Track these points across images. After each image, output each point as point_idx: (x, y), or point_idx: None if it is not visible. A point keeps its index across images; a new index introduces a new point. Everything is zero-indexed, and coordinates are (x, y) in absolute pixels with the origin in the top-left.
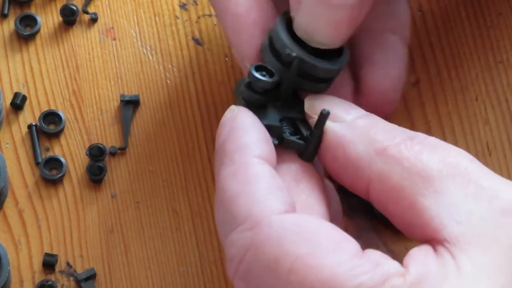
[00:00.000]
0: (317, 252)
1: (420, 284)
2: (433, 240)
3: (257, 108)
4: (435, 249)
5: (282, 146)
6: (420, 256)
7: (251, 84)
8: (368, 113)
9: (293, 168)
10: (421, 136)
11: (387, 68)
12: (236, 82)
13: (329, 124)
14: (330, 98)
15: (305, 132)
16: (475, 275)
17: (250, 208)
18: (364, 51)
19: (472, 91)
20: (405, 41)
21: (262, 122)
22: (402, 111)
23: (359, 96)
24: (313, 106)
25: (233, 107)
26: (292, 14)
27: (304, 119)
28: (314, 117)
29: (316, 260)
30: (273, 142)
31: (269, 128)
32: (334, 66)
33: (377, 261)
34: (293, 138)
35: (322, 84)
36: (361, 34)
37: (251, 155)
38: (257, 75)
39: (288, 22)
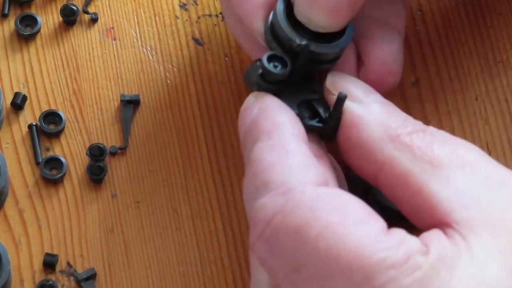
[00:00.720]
0: (347, 222)
1: (440, 263)
2: (442, 224)
3: (276, 95)
4: (445, 232)
5: None
6: (435, 237)
7: (265, 75)
8: (386, 100)
9: (312, 146)
10: (432, 129)
11: (386, 42)
12: (246, 70)
13: (347, 103)
14: (351, 79)
15: (323, 114)
16: (485, 257)
17: (285, 176)
18: (362, 31)
19: (472, 91)
20: (399, 33)
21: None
22: (402, 111)
23: (362, 68)
24: (334, 83)
25: (255, 93)
26: None
27: (320, 98)
28: (334, 94)
29: (345, 229)
30: None
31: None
32: (339, 47)
33: (402, 238)
34: (313, 122)
35: (329, 64)
36: (358, 19)
37: (288, 133)
38: (270, 68)
39: (289, 6)
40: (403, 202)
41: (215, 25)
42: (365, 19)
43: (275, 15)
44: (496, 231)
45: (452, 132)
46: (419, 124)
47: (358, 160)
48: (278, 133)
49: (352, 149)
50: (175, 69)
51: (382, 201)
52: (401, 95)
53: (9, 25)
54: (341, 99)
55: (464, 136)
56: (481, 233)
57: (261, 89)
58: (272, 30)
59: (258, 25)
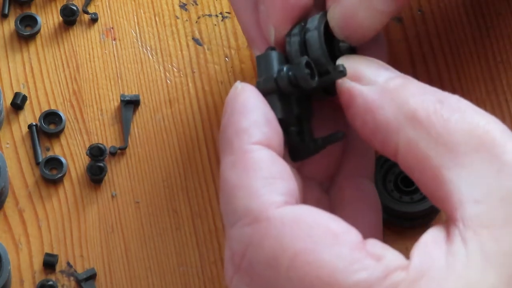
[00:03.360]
0: (316, 247)
1: (424, 277)
2: (450, 218)
3: (283, 97)
4: (448, 232)
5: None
6: (428, 245)
7: (293, 77)
8: (400, 74)
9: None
10: (452, 99)
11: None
12: (262, 57)
13: (357, 87)
14: (361, 59)
15: (306, 135)
16: (484, 265)
17: (248, 202)
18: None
19: (472, 91)
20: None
21: (279, 115)
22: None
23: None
24: (347, 69)
25: (237, 84)
26: (329, 3)
27: (310, 120)
28: (345, 81)
29: (314, 256)
30: None
31: (281, 122)
32: None
33: (379, 254)
34: (296, 138)
35: (333, 95)
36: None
37: (249, 141)
38: (305, 74)
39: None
40: (421, 184)
41: (215, 25)
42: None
43: (311, 34)
44: (501, 233)
45: None
46: (438, 93)
47: (378, 143)
48: (238, 144)
49: (371, 134)
50: (175, 69)
51: (382, 202)
52: None
53: (9, 25)
54: (340, 71)
55: None
56: (485, 236)
57: (281, 87)
58: (302, 46)
59: (284, 28)
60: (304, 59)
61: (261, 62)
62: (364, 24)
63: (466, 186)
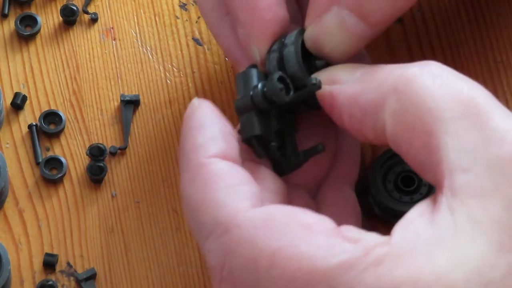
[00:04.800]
0: (292, 241)
1: (409, 251)
2: (439, 188)
3: (260, 113)
4: (435, 203)
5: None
6: (412, 219)
7: (268, 92)
8: (374, 65)
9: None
10: (434, 65)
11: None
12: (239, 75)
13: (336, 87)
14: (336, 66)
15: (289, 150)
16: (472, 233)
17: (216, 214)
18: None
19: None
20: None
21: (257, 132)
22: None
23: None
24: (322, 78)
25: (194, 101)
26: (307, 24)
27: (293, 134)
28: (324, 87)
29: (292, 250)
30: (258, 153)
31: (260, 138)
32: None
33: (355, 237)
34: (277, 153)
35: (318, 109)
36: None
37: (205, 155)
38: (278, 89)
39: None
40: (410, 157)
41: None
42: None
43: (288, 49)
44: (489, 200)
45: None
46: (417, 64)
47: (368, 130)
48: (196, 159)
49: (359, 123)
50: (175, 69)
51: (382, 202)
52: None
53: (9, 25)
54: (314, 85)
55: None
56: (472, 204)
57: (256, 103)
58: (280, 61)
59: (265, 46)
60: (277, 74)
61: (240, 80)
62: (340, 47)
63: (454, 153)
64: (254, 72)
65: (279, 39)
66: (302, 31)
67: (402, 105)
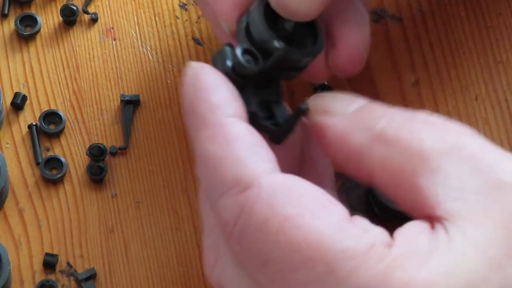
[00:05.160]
0: (305, 213)
1: (407, 256)
2: (432, 218)
3: (239, 89)
4: (432, 226)
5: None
6: (412, 229)
7: (235, 67)
8: (368, 101)
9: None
10: (421, 115)
11: (358, 26)
12: (214, 54)
13: (327, 119)
14: (330, 96)
15: (279, 118)
16: (466, 248)
17: (238, 171)
18: (333, 9)
19: (472, 91)
20: (367, 8)
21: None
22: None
23: (332, 51)
24: (315, 106)
25: (193, 64)
26: None
27: (279, 102)
28: (315, 117)
29: (303, 221)
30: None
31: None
32: (312, 55)
33: (365, 227)
34: (267, 123)
35: (295, 72)
36: None
37: (224, 115)
38: (243, 61)
39: (266, 7)
40: (400, 200)
41: None
42: None
43: (252, 15)
44: (481, 221)
45: None
46: (406, 113)
47: (353, 169)
48: (214, 119)
49: (345, 161)
50: (175, 69)
51: (383, 202)
52: (401, 95)
53: (9, 25)
54: (302, 110)
55: None
56: (465, 225)
57: (228, 79)
58: (247, 30)
59: (233, 20)
60: (241, 47)
61: (215, 60)
62: (304, 3)
63: (440, 187)
64: (227, 49)
65: (247, 10)
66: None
67: (390, 152)
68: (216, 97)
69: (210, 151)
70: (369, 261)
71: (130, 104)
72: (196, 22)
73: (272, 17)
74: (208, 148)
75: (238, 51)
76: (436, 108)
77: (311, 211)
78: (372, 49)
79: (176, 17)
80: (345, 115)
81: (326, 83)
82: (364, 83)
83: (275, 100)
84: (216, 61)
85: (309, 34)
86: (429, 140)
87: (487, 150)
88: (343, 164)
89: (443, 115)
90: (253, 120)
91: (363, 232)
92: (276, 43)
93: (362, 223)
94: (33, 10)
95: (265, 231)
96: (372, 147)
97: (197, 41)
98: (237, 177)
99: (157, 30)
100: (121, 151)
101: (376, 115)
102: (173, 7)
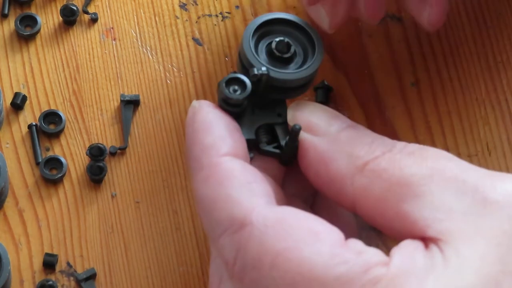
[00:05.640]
0: (297, 245)
1: (404, 274)
2: (425, 239)
3: (237, 117)
4: (426, 246)
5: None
6: (408, 247)
7: (225, 99)
8: (350, 123)
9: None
10: (399, 145)
11: None
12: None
13: (310, 139)
14: (312, 109)
15: (282, 140)
16: (461, 267)
17: (231, 211)
18: None
19: (472, 91)
20: None
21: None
22: (402, 111)
23: (427, 9)
24: (295, 117)
25: (194, 103)
26: None
27: (283, 123)
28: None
29: (295, 254)
30: (249, 156)
31: (246, 141)
32: (301, 76)
33: (359, 249)
34: (269, 148)
35: (295, 92)
36: None
37: (216, 155)
38: (228, 93)
39: (257, 29)
40: (385, 228)
41: (215, 25)
42: None
43: (241, 43)
44: (473, 240)
45: (452, 132)
46: (386, 142)
47: (333, 194)
48: (208, 160)
49: (325, 184)
50: (175, 69)
51: None
52: (401, 95)
53: (9, 25)
54: (295, 131)
55: (464, 136)
56: (458, 244)
57: (223, 109)
58: (239, 55)
59: None
60: (225, 78)
61: (219, 87)
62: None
63: (427, 211)
64: (220, 82)
65: None
66: (251, 29)
67: (373, 182)
68: (210, 137)
69: (204, 193)
70: (366, 284)
71: (130, 104)
72: (196, 22)
73: (266, 38)
74: (202, 190)
75: (223, 83)
76: (436, 108)
77: (303, 242)
78: (372, 49)
79: (176, 17)
80: (328, 137)
81: (326, 82)
82: (364, 83)
83: (278, 122)
84: (218, 93)
85: (310, 51)
86: (410, 168)
87: (467, 170)
88: (324, 188)
89: (443, 115)
90: (255, 146)
91: (357, 255)
92: (256, 70)
93: (356, 245)
94: (33, 10)
95: (260, 268)
96: (354, 177)
97: (197, 41)
98: (231, 217)
99: (157, 30)
100: (121, 151)
101: (359, 143)
102: (173, 7)
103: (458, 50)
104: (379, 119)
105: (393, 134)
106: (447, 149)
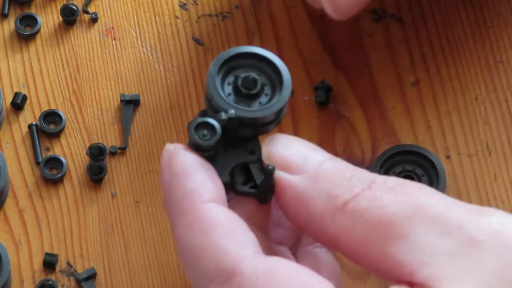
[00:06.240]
0: None
1: None
2: (412, 284)
3: (209, 161)
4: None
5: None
6: None
7: (195, 145)
8: (327, 156)
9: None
10: (379, 180)
11: None
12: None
13: (286, 178)
14: (286, 143)
15: (257, 179)
16: None
17: (219, 260)
18: None
19: (472, 91)
20: None
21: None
22: (402, 111)
23: None
24: (269, 155)
25: (168, 146)
26: None
27: (258, 160)
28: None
29: None
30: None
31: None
32: (270, 112)
33: None
34: (246, 188)
35: (268, 126)
36: None
37: (199, 201)
38: (198, 139)
39: (222, 65)
40: (370, 267)
41: (215, 25)
42: None
43: (207, 79)
44: (462, 283)
45: (452, 132)
46: (365, 177)
47: (313, 232)
48: (190, 206)
49: (306, 224)
50: (175, 69)
51: None
52: (401, 95)
53: (9, 25)
54: (269, 172)
55: (464, 136)
56: (446, 285)
57: (197, 153)
58: (206, 94)
59: None
60: (194, 123)
61: (188, 132)
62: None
63: (412, 254)
64: (188, 126)
65: None
66: (216, 65)
67: (354, 223)
68: (191, 182)
69: (188, 240)
70: None
71: (130, 104)
72: (196, 22)
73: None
74: (186, 238)
75: (191, 128)
76: (436, 108)
77: None
78: (372, 49)
79: (176, 17)
80: (305, 174)
81: (326, 82)
82: (364, 83)
83: (252, 160)
84: (189, 131)
85: (278, 83)
86: (391, 206)
87: (451, 207)
88: (304, 227)
89: (443, 115)
90: (231, 188)
91: None
92: (222, 115)
93: None
94: (33, 10)
95: None
96: (334, 216)
97: (197, 41)
98: (219, 266)
99: (157, 30)
100: (121, 151)
101: (338, 179)
102: (173, 7)
103: (458, 50)
104: (379, 119)
105: (393, 134)
106: (447, 149)
